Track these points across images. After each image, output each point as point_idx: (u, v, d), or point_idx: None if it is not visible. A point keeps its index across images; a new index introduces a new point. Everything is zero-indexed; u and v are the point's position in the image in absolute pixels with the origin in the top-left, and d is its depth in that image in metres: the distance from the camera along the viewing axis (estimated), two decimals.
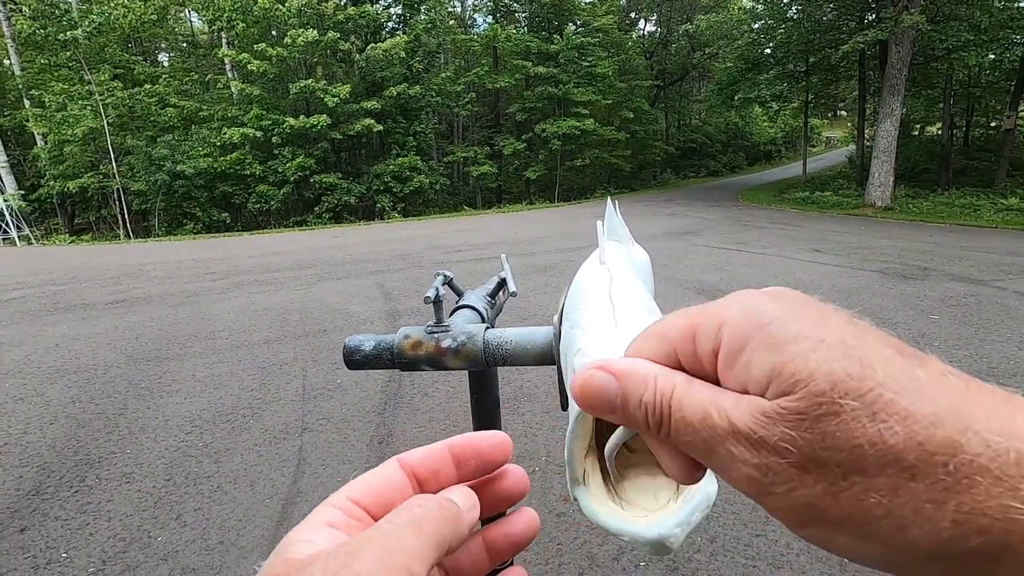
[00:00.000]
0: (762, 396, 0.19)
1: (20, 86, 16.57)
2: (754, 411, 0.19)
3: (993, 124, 18.40)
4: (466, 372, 0.62)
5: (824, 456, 0.18)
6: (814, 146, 36.43)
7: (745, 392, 0.20)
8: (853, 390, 0.18)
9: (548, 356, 0.57)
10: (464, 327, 0.59)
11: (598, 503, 0.31)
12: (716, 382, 0.21)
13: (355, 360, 0.60)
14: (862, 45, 12.42)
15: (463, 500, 0.24)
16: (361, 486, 0.24)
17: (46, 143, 16.28)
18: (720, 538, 1.94)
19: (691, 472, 0.23)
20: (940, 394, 0.18)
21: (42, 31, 15.17)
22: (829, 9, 14.68)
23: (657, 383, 0.21)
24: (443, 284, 0.64)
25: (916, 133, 20.10)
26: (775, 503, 0.19)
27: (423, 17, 19.19)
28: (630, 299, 0.41)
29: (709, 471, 0.31)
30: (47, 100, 15.48)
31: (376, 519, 0.22)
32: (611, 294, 0.41)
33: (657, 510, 0.31)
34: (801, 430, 0.18)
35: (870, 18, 13.85)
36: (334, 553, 0.19)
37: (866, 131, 17.21)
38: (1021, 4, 12.43)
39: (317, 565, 0.19)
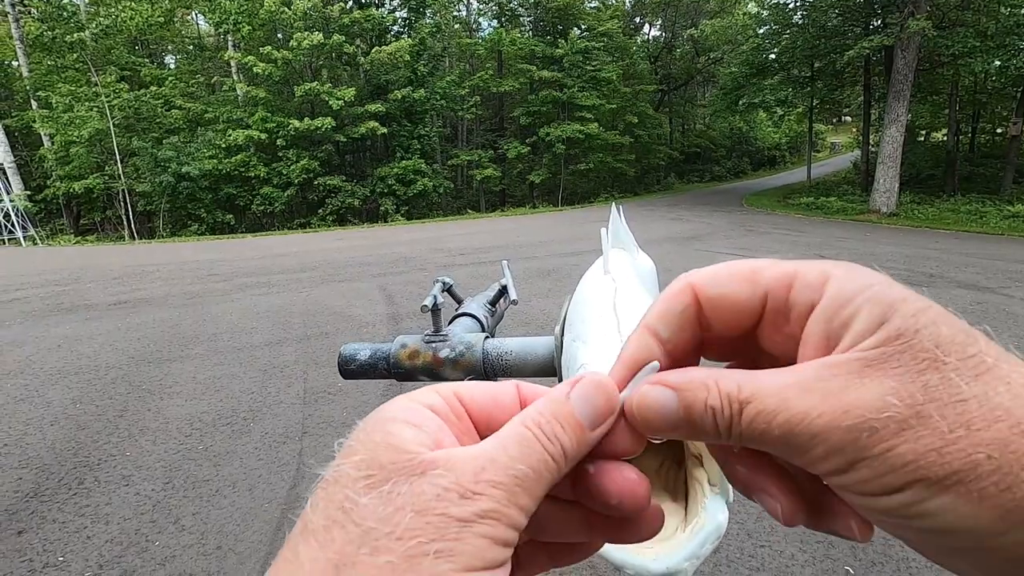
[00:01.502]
0: (853, 349, 0.19)
1: (27, 87, 16.68)
2: (844, 364, 0.19)
3: (999, 131, 18.33)
4: None
5: (929, 409, 0.17)
6: (818, 151, 36.35)
7: (832, 348, 0.20)
8: (958, 352, 0.18)
9: (549, 367, 0.55)
10: (463, 336, 0.57)
11: None
12: (794, 337, 0.21)
13: (350, 369, 0.58)
14: (867, 51, 12.39)
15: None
16: (470, 388, 0.23)
17: (52, 144, 16.37)
18: (723, 548, 1.91)
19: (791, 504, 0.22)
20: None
21: (50, 32, 15.27)
22: (834, 15, 14.65)
23: (720, 385, 0.20)
24: (442, 291, 0.62)
25: (922, 139, 20.04)
26: (870, 469, 0.18)
27: (428, 21, 19.27)
28: (635, 311, 0.39)
29: (718, 499, 0.29)
30: (54, 101, 15.57)
31: (477, 426, 0.22)
32: (615, 306, 0.39)
33: (664, 539, 0.29)
34: (903, 382, 0.18)
35: (875, 24, 13.83)
36: (465, 463, 0.18)
37: (871, 137, 17.16)
38: None
39: (450, 477, 0.18)
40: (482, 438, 0.21)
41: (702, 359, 0.24)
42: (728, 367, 0.24)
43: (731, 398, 0.20)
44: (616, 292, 0.41)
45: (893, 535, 0.20)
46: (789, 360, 0.21)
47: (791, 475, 0.22)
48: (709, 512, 0.29)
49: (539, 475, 0.19)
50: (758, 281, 0.22)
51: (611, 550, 0.29)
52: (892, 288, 0.20)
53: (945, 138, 17.07)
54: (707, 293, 0.22)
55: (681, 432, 0.22)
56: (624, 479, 0.21)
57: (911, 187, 14.34)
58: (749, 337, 0.23)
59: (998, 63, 12.69)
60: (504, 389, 0.23)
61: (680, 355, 0.23)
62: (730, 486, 0.31)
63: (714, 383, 0.21)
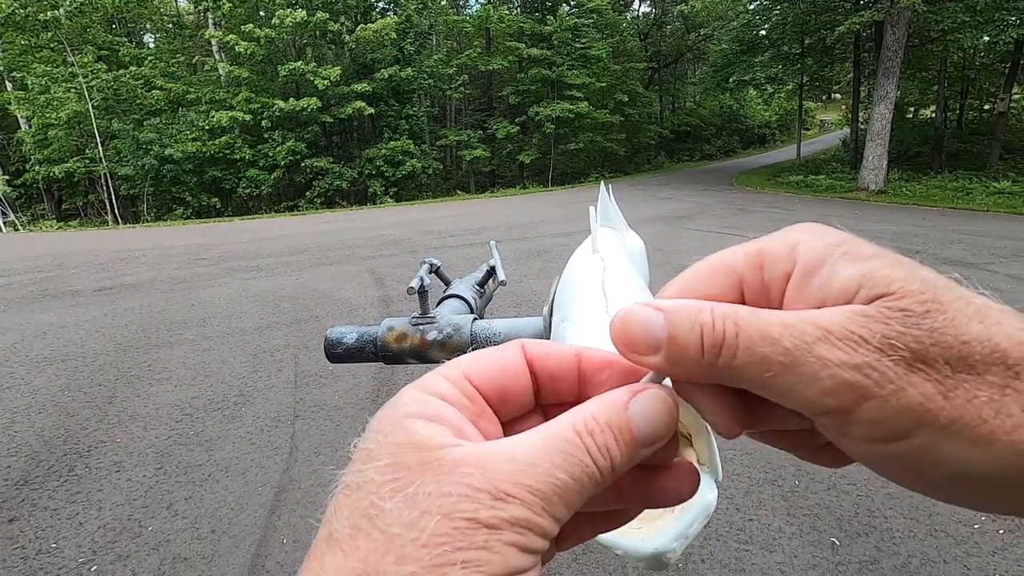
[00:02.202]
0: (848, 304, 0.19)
1: (1, 68, 16.18)
2: (848, 313, 0.18)
3: (987, 107, 18.40)
4: None
5: (934, 352, 0.17)
6: (808, 129, 36.33)
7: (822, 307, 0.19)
8: (951, 294, 0.18)
9: None
10: (451, 318, 0.57)
11: None
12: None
13: (336, 353, 0.58)
14: (858, 26, 12.31)
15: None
16: (476, 364, 0.21)
17: (30, 127, 15.96)
18: (712, 522, 1.94)
19: (737, 420, 0.21)
20: (1008, 310, 0.18)
21: (22, 10, 14.78)
22: None
23: (714, 308, 0.19)
24: (429, 272, 0.61)
25: (910, 116, 20.07)
26: (877, 409, 0.17)
27: None
28: (624, 291, 0.38)
29: (707, 478, 0.29)
30: (30, 82, 15.14)
31: (489, 402, 0.21)
32: (604, 285, 0.38)
33: (652, 520, 0.29)
34: (907, 326, 0.17)
35: None
36: (491, 463, 0.17)
37: (860, 114, 17.15)
38: None
39: (475, 476, 0.17)
40: (496, 413, 0.21)
41: None
42: None
43: (727, 319, 0.19)
44: (604, 271, 0.41)
45: (891, 479, 0.19)
46: None
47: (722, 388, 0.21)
48: (698, 492, 0.29)
49: (581, 487, 0.18)
50: (732, 270, 0.21)
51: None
52: (862, 245, 0.20)
53: (933, 115, 17.10)
54: (692, 294, 0.21)
55: (661, 360, 0.20)
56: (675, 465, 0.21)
57: (899, 164, 14.40)
58: None
59: (987, 38, 12.67)
60: (510, 355, 0.22)
61: None
62: (719, 464, 0.31)
63: (709, 309, 0.20)
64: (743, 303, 0.21)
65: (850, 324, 0.18)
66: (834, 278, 0.19)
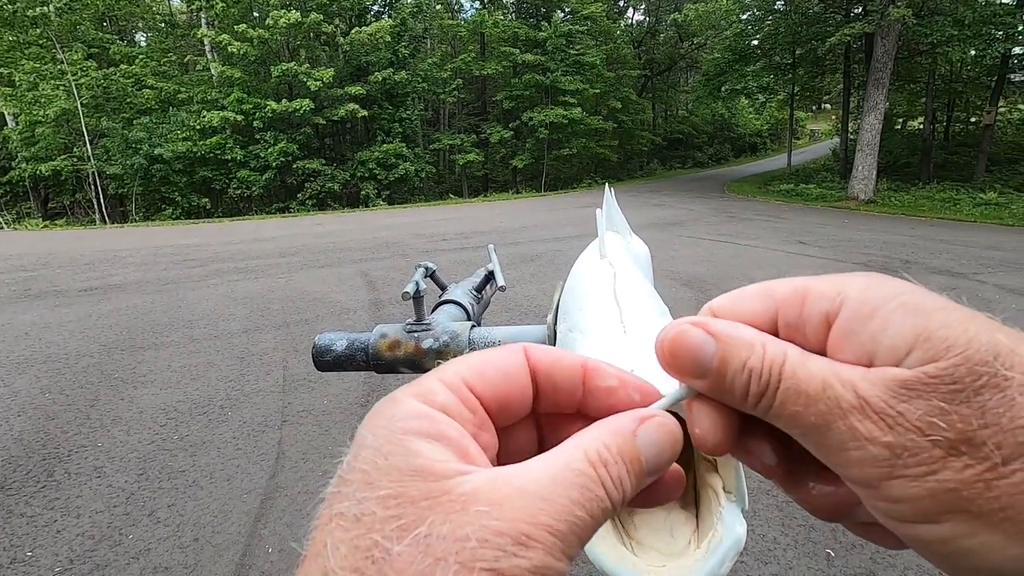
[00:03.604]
0: (896, 367, 0.17)
1: None
2: (890, 382, 0.16)
3: (973, 119, 18.67)
4: None
5: (982, 436, 0.15)
6: (799, 139, 36.70)
7: (868, 365, 0.17)
8: (1020, 364, 0.15)
9: None
10: (447, 325, 0.54)
11: (605, 546, 0.26)
12: (821, 354, 0.19)
13: (325, 361, 0.54)
14: (848, 38, 12.46)
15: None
16: (476, 369, 0.20)
17: (17, 124, 15.72)
18: None
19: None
20: None
21: (10, 6, 14.57)
22: (816, 2, 14.70)
23: (767, 349, 0.19)
24: (424, 277, 0.58)
25: (898, 127, 20.33)
26: (903, 489, 0.16)
27: (409, 1, 18.84)
28: (637, 299, 0.36)
29: (734, 508, 0.27)
30: (17, 79, 14.92)
31: (489, 412, 0.20)
32: (616, 293, 0.36)
33: (675, 555, 0.26)
34: (955, 403, 0.15)
35: (857, 11, 13.90)
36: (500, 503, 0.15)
37: (850, 124, 17.35)
38: (1003, 1, 12.57)
39: (483, 516, 0.15)
40: (495, 424, 0.20)
41: None
42: None
43: (774, 367, 0.18)
44: (616, 278, 0.38)
45: (927, 559, 0.17)
46: None
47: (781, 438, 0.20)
48: (726, 524, 0.26)
49: (595, 521, 0.17)
50: (772, 296, 0.20)
51: (614, 565, 0.26)
52: (926, 296, 0.18)
53: (921, 127, 17.33)
54: (724, 313, 0.21)
55: (706, 385, 0.20)
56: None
57: (888, 174, 14.55)
58: None
59: (973, 52, 12.87)
60: (514, 362, 0.20)
61: None
62: (746, 493, 0.28)
63: (761, 345, 0.19)
64: (775, 333, 0.20)
65: (890, 397, 0.16)
66: (886, 332, 0.17)
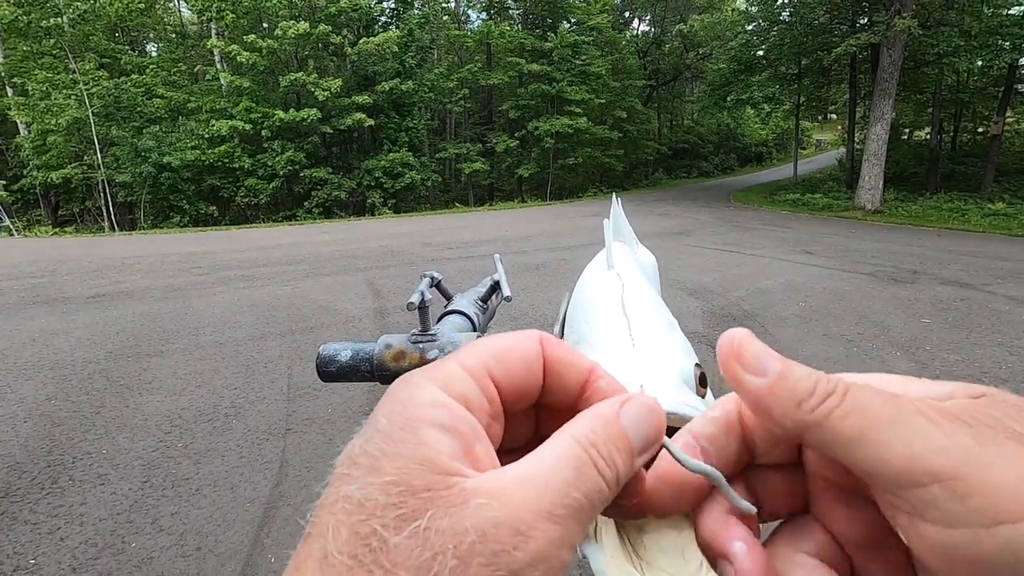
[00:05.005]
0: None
1: (2, 74, 16.20)
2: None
3: (980, 130, 18.61)
4: None
5: None
6: (805, 148, 36.67)
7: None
8: None
9: None
10: (452, 336, 0.53)
11: (614, 567, 0.25)
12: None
13: (330, 372, 0.54)
14: (854, 48, 12.48)
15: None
16: (500, 359, 0.20)
17: (29, 132, 15.93)
18: None
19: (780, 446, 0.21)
20: None
21: (25, 17, 14.82)
22: (822, 12, 14.75)
23: (820, 375, 0.19)
24: (429, 287, 0.58)
25: (905, 137, 20.29)
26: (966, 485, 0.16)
27: (416, 12, 19.02)
28: (646, 311, 0.35)
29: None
30: (30, 88, 15.13)
31: (504, 404, 0.20)
32: (624, 305, 0.35)
33: None
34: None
35: (862, 22, 13.93)
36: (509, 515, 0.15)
37: (856, 134, 17.32)
38: (1011, 11, 12.56)
39: (491, 515, 0.15)
40: (507, 413, 0.20)
41: None
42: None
43: (831, 381, 0.18)
44: (624, 290, 0.37)
45: None
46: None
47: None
48: None
49: (592, 505, 0.17)
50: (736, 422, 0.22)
51: None
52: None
53: (928, 137, 17.29)
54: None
55: (768, 382, 0.19)
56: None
57: (895, 184, 14.51)
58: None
59: (980, 63, 12.86)
60: (534, 354, 0.20)
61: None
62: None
63: (816, 373, 0.19)
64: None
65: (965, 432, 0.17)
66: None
